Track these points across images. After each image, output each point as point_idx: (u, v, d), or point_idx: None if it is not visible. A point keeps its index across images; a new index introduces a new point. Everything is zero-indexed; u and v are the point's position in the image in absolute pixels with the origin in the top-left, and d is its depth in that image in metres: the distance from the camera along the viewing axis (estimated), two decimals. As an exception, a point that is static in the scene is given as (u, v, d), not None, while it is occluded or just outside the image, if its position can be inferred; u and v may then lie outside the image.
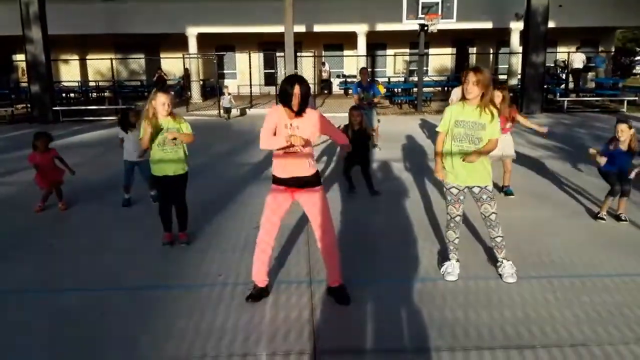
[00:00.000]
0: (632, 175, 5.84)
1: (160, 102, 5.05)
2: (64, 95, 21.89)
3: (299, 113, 3.85)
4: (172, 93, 5.31)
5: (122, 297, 4.29)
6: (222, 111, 17.60)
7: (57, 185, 6.76)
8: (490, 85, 4.21)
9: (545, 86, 18.39)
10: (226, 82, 25.24)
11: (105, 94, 23.28)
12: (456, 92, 8.37)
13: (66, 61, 24.44)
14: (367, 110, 9.76)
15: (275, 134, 3.89)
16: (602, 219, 5.99)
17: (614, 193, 5.95)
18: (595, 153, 5.95)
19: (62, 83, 23.92)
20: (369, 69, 22.44)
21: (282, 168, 3.99)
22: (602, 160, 5.89)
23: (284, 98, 3.81)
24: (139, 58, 25.78)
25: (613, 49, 26.45)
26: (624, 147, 5.79)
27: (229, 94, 17.40)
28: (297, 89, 3.73)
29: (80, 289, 4.46)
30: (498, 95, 6.95)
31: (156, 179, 5.36)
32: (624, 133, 5.74)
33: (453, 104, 8.17)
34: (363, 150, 7.16)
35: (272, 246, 4.12)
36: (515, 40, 22.23)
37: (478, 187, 4.34)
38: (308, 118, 3.92)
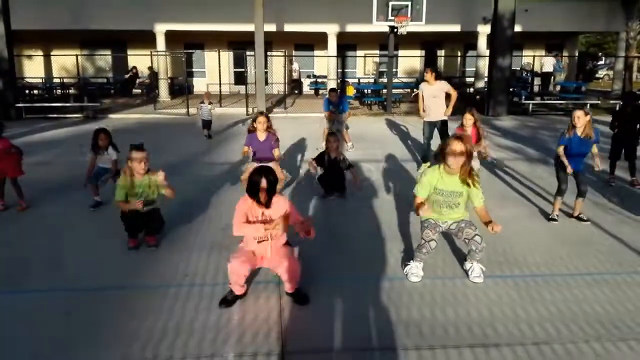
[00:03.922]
0: (597, 167, 6.06)
1: (137, 160, 5.01)
2: (27, 92, 21.30)
3: (267, 205, 3.99)
4: (147, 151, 5.24)
5: (87, 298, 4.20)
6: (200, 124, 12.55)
7: (14, 181, 6.52)
8: (472, 153, 4.27)
9: (511, 89, 18.73)
10: (195, 80, 24.99)
11: (70, 91, 22.73)
12: (422, 88, 9.09)
13: (30, 57, 23.79)
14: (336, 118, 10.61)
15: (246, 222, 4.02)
16: (555, 219, 6.11)
17: (561, 192, 6.09)
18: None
19: (26, 79, 23.27)
20: (339, 70, 22.59)
21: (256, 251, 4.11)
22: (560, 151, 5.95)
23: (252, 190, 3.92)
24: (106, 55, 25.28)
25: (577, 53, 27.11)
26: (579, 132, 5.88)
27: (210, 102, 12.55)
28: (264, 183, 3.85)
29: (43, 290, 4.35)
30: (469, 119, 7.08)
31: (123, 213, 5.19)
32: (580, 120, 5.84)
33: (422, 93, 8.90)
34: (339, 179, 7.07)
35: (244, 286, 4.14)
36: (482, 43, 22.59)
37: (455, 222, 4.44)
38: (277, 206, 4.04)
